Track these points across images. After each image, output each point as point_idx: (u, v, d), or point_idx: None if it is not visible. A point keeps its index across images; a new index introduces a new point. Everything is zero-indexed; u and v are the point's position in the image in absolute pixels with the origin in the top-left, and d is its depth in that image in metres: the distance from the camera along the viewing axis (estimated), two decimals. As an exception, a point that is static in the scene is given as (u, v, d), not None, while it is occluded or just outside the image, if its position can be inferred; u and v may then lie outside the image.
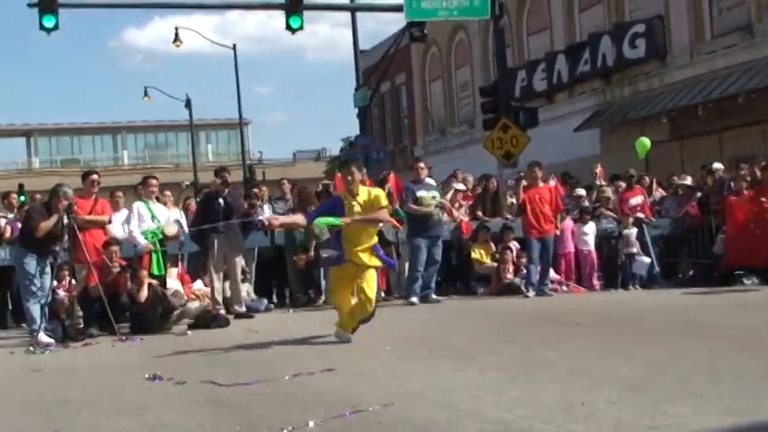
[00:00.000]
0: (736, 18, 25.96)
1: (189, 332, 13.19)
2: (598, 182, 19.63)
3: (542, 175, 16.98)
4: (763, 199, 16.72)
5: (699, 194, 18.34)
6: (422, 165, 17.16)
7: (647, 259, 17.64)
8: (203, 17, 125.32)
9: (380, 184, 17.04)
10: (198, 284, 15.34)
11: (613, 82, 30.27)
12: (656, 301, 14.74)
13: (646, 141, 21.43)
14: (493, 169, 22.24)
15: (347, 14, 32.48)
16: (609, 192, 18.70)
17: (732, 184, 17.60)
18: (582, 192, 18.97)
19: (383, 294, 16.87)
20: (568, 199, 18.42)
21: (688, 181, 19.02)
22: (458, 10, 24.80)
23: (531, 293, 16.18)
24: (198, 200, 17.65)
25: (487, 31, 34.13)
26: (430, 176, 18.00)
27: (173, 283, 14.75)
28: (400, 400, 7.04)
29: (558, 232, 16.71)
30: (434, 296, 15.93)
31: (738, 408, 6.15)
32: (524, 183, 16.85)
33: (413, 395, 7.26)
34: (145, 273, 13.74)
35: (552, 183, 18.07)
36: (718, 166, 19.23)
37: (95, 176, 14.55)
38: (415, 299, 15.65)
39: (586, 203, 18.52)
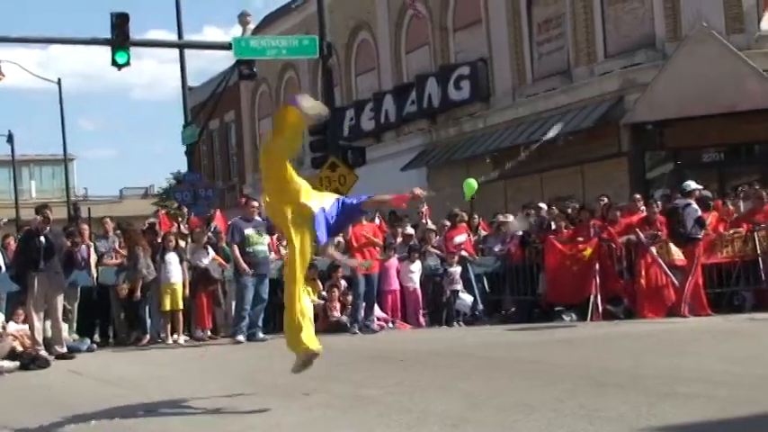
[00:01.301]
0: (556, 63, 26.83)
1: (6, 374, 12.76)
2: (424, 221, 19.88)
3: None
4: (580, 238, 17.29)
5: (521, 233, 18.76)
6: (254, 203, 17.09)
7: (470, 297, 17.95)
8: (27, 51, 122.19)
9: (207, 222, 16.93)
10: (14, 325, 14.84)
11: (439, 122, 30.81)
12: (479, 338, 15.00)
13: (473, 183, 21.77)
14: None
15: (176, 51, 32.24)
16: (434, 230, 18.98)
17: (552, 224, 18.12)
18: (411, 230, 19.19)
19: (209, 333, 16.73)
20: (393, 237, 18.66)
21: (510, 219, 19.46)
22: (287, 49, 24.95)
23: (357, 330, 16.30)
24: (18, 237, 17.15)
25: (316, 70, 34.30)
26: (259, 214, 17.97)
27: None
28: (224, 439, 6.99)
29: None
30: (261, 335, 15.84)
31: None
32: (351, 221, 17.00)
33: (237, 435, 7.21)
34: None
35: (377, 221, 18.35)
36: (543, 206, 19.75)
37: None
38: (241, 337, 15.54)
39: (414, 242, 18.74)
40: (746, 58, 22.34)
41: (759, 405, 7.10)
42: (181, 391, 9.67)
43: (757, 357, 9.45)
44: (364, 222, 16.90)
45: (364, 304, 16.52)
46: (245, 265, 15.69)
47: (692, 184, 17.00)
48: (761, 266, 16.89)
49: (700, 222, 16.12)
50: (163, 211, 22.50)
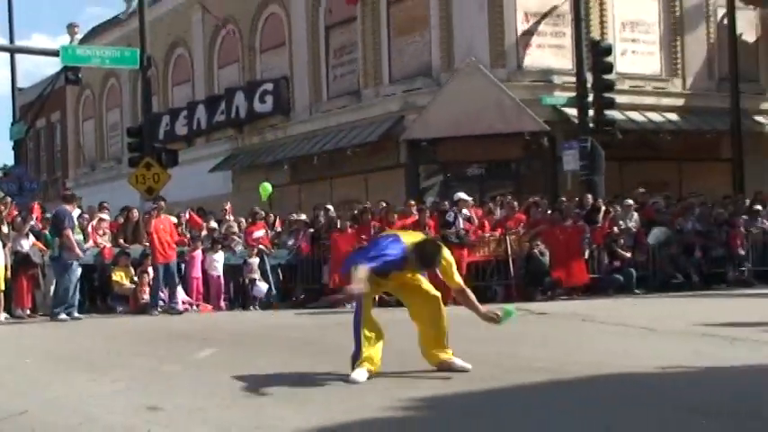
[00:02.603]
0: (347, 84, 27.18)
1: None
2: (228, 217, 19.80)
3: (166, 208, 17.16)
4: (363, 236, 17.56)
5: (311, 230, 18.90)
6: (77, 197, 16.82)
7: (266, 285, 17.95)
8: None
9: (29, 211, 16.41)
10: None
11: (245, 131, 30.69)
12: (271, 321, 15.03)
13: (267, 186, 21.90)
14: (136, 201, 21.91)
15: (5, 54, 30.96)
16: (235, 226, 18.93)
17: (338, 223, 18.36)
18: (215, 224, 19.08)
19: (28, 312, 16.19)
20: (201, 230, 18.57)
21: (303, 218, 19.58)
22: (110, 59, 24.48)
23: (157, 313, 16.08)
24: None
25: (137, 79, 33.39)
26: (79, 207, 17.67)
27: None
28: (37, 408, 6.80)
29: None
30: (77, 314, 15.40)
31: (330, 410, 6.43)
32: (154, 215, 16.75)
33: (49, 404, 7.03)
34: None
35: (187, 215, 18.27)
36: (330, 207, 19.99)
37: None
38: (64, 316, 15.05)
39: (218, 234, 18.63)
40: (506, 89, 23.21)
41: (496, 381, 7.44)
42: (-1, 365, 9.34)
43: (497, 340, 9.81)
44: (162, 216, 16.71)
45: (167, 289, 16.37)
46: (78, 250, 15.27)
47: (461, 195, 17.58)
48: (510, 265, 17.62)
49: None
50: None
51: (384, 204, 18.78)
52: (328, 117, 27.19)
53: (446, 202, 18.47)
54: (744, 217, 19.78)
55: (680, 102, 25.86)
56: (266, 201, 22.24)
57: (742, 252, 19.28)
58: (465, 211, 17.61)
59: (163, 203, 17.08)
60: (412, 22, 25.36)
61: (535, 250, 17.49)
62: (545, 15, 24.36)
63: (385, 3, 25.85)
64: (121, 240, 17.92)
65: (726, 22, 25.20)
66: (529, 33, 24.31)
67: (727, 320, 11.32)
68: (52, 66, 42.56)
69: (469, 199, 17.92)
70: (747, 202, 20.85)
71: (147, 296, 16.78)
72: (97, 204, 19.20)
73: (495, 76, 23.43)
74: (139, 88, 31.08)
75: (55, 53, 24.24)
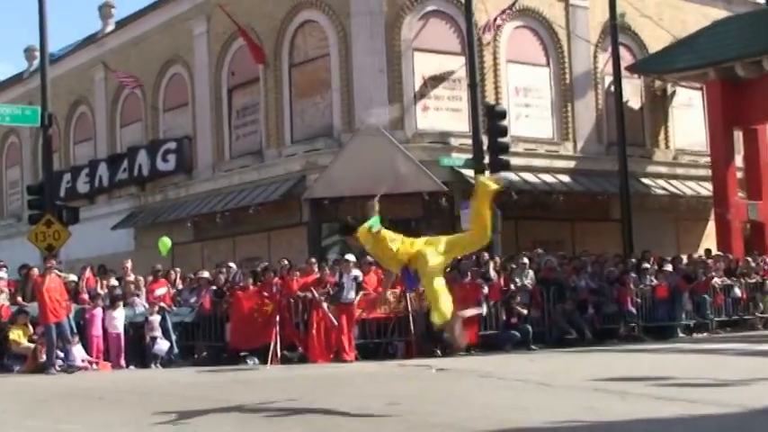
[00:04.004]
0: (250, 144, 27.09)
1: None
2: (130, 274, 19.36)
3: (66, 266, 16.76)
4: (266, 293, 17.41)
5: (214, 288, 18.62)
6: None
7: (167, 342, 17.57)
8: None
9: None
10: None
11: (147, 189, 30.30)
12: (172, 378, 14.69)
13: (167, 241, 21.49)
14: (36, 259, 21.32)
15: None
16: (139, 283, 18.52)
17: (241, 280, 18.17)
18: (115, 282, 18.65)
19: None
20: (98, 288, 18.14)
21: (206, 275, 19.28)
22: (10, 117, 24.03)
23: (53, 372, 15.56)
24: None
25: (38, 136, 32.75)
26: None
27: None
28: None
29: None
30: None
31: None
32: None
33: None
34: None
35: (87, 273, 17.80)
36: (232, 265, 19.83)
37: None
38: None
39: (119, 292, 18.18)
40: (405, 150, 23.41)
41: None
42: None
43: (398, 397, 9.77)
44: (52, 275, 16.24)
45: (62, 346, 15.88)
46: None
47: (348, 257, 17.71)
48: (411, 322, 17.62)
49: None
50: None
51: (285, 262, 18.66)
52: (231, 176, 27.03)
53: (327, 263, 18.62)
54: (633, 275, 20.27)
55: (571, 164, 26.47)
56: (166, 255, 21.85)
57: (632, 309, 19.74)
58: (355, 271, 17.48)
59: (54, 262, 16.69)
60: (314, 84, 25.47)
61: (434, 307, 17.49)
62: (442, 80, 24.75)
63: (287, 65, 25.95)
64: (20, 298, 17.39)
65: (613, 89, 25.93)
66: (427, 97, 24.65)
67: (618, 375, 11.51)
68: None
69: (352, 260, 17.80)
70: (635, 260, 21.36)
71: (44, 355, 16.24)
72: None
73: (395, 138, 23.63)
74: (40, 146, 30.55)
75: (-48, 109, 23.68)
